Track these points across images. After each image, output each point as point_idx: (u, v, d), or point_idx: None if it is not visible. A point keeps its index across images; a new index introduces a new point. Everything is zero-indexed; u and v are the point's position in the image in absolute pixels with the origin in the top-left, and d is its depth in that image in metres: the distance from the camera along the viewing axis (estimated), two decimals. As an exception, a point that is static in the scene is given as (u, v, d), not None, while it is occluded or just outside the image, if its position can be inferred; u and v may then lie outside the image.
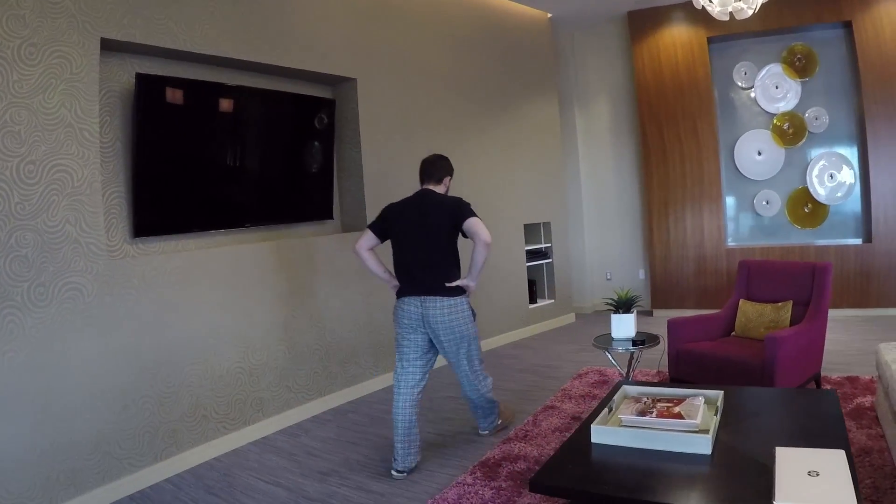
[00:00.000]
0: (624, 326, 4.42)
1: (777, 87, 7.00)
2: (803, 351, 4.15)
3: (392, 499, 3.37)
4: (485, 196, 6.28)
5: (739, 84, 7.19)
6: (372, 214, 5.33)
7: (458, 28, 6.40)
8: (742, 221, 7.30)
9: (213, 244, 4.42)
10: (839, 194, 6.81)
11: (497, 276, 6.54)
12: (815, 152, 6.91)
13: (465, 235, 3.66)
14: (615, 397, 3.07)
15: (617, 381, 4.83)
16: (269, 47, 4.57)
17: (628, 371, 4.47)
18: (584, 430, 2.79)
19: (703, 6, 4.59)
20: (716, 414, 2.76)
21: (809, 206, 6.94)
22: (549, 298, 7.42)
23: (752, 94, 7.14)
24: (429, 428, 4.34)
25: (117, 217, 3.91)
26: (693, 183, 7.22)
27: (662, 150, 7.34)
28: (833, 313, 5.67)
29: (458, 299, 3.67)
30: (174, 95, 4.03)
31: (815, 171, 6.87)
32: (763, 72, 7.06)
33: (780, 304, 4.51)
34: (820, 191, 6.87)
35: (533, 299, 7.22)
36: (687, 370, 4.40)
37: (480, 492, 3.32)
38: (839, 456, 2.23)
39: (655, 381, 4.83)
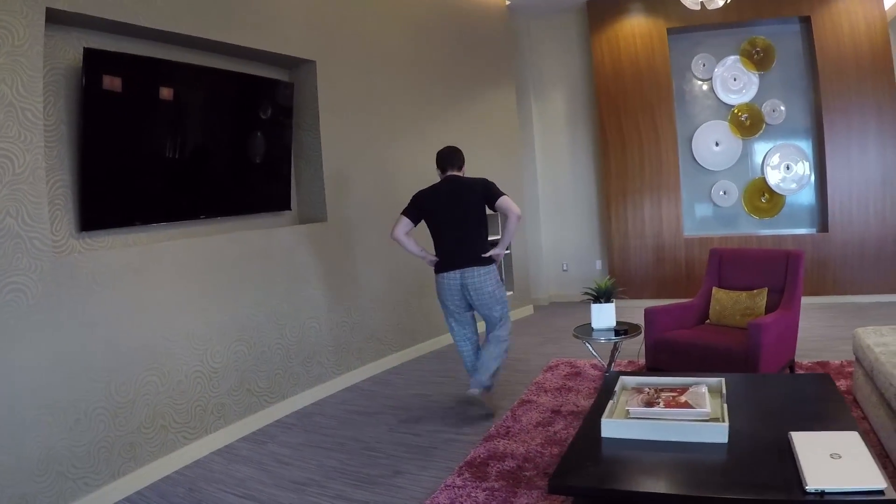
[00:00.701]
0: (605, 316, 4.31)
1: (735, 80, 7.03)
2: (782, 337, 4.17)
3: (379, 508, 3.16)
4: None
5: (698, 76, 7.19)
6: (332, 205, 5.08)
7: (417, 12, 6.15)
8: (700, 211, 7.33)
9: (165, 237, 4.06)
10: (795, 185, 6.91)
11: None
12: (771, 144, 6.97)
13: (494, 211, 4.21)
14: (616, 389, 2.93)
15: (602, 372, 4.80)
16: (224, 24, 4.22)
17: (610, 362, 4.36)
18: (592, 425, 2.67)
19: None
20: (722, 401, 2.68)
21: (766, 196, 7.02)
22: (508, 290, 7.25)
23: (711, 86, 7.14)
24: (402, 428, 4.16)
25: (62, 209, 3.51)
26: (652, 173, 7.20)
27: (621, 141, 7.29)
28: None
29: (491, 267, 4.26)
30: (126, 74, 3.65)
31: (772, 163, 6.93)
32: (721, 64, 7.06)
33: (755, 291, 4.50)
34: (776, 181, 6.94)
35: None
36: (665, 359, 4.32)
37: (473, 494, 3.16)
38: (854, 437, 2.25)
39: (628, 371, 4.71)
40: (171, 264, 3.86)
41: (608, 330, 4.29)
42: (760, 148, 7.05)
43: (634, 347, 4.81)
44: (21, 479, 3.02)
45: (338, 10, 5.23)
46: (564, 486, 2.34)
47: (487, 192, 4.16)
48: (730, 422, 2.52)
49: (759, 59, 6.94)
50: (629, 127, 7.26)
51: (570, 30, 7.75)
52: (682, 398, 2.67)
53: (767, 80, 6.96)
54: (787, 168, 6.91)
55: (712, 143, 7.13)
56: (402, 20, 5.94)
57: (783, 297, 4.43)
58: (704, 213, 7.32)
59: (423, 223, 4.31)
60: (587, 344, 4.30)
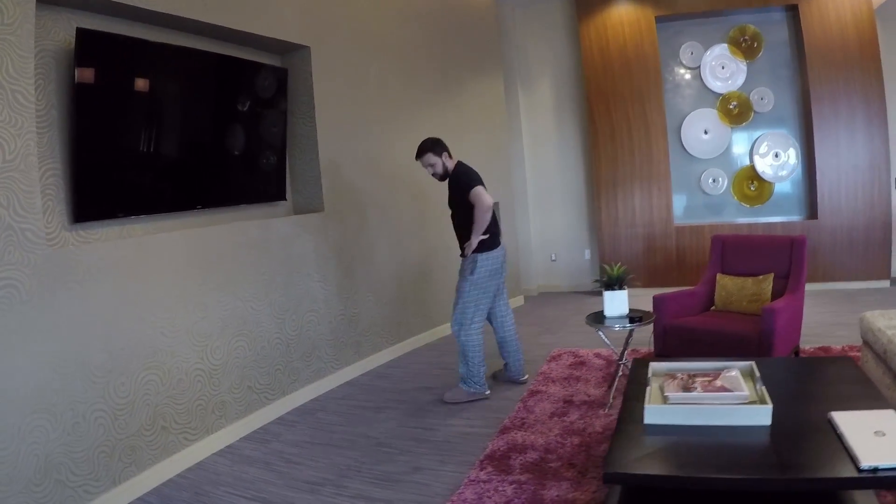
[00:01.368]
0: (617, 303, 4.17)
1: (723, 68, 6.96)
2: (791, 322, 4.15)
3: (402, 506, 3.01)
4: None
5: (686, 64, 7.11)
6: (329, 194, 4.89)
7: (408, -3, 5.92)
8: (689, 200, 7.26)
9: (160, 229, 3.82)
10: (783, 172, 6.87)
11: (446, 259, 6.16)
12: (760, 132, 6.93)
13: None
14: (649, 376, 2.83)
15: (606, 361, 4.70)
16: (217, 6, 3.97)
17: (624, 349, 4.24)
18: (631, 412, 2.60)
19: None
20: (757, 384, 2.63)
21: (755, 184, 6.97)
22: (500, 281, 7.10)
23: (699, 74, 7.07)
24: (411, 422, 4.01)
25: (53, 199, 3.26)
26: (642, 162, 7.11)
27: (610, 129, 7.18)
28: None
29: None
30: (120, 56, 3.41)
31: (760, 150, 6.89)
32: (709, 52, 6.99)
33: (760, 277, 4.46)
34: (765, 169, 6.90)
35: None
36: (675, 346, 4.26)
37: (500, 488, 3.03)
38: (893, 415, 2.27)
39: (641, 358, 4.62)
40: (168, 257, 3.63)
41: (622, 317, 4.15)
42: (748, 136, 7.00)
43: (639, 335, 4.70)
44: (17, 489, 2.79)
45: (330, -7, 5.01)
46: (620, 474, 2.22)
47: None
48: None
49: (746, 47, 6.88)
50: (618, 115, 7.15)
51: (557, 18, 7.60)
52: (718, 382, 2.61)
53: (755, 68, 6.91)
54: (776, 156, 6.87)
55: (701, 132, 7.06)
56: (393, 5, 5.72)
57: (788, 282, 4.41)
58: (694, 202, 7.25)
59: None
60: (600, 332, 4.18)
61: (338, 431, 3.96)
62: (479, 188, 4.13)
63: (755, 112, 6.93)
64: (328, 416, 4.24)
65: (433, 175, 4.32)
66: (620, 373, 4.17)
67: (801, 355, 4.46)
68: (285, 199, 4.79)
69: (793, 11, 6.64)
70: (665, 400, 2.57)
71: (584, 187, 7.70)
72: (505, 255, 4.45)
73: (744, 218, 7.07)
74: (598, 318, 4.22)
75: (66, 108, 3.28)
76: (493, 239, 4.30)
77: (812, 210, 6.79)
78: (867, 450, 2.03)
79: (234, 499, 3.20)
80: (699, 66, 7.06)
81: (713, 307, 4.66)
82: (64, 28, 3.29)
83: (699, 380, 2.66)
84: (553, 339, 5.63)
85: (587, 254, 7.70)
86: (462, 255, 4.30)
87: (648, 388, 2.68)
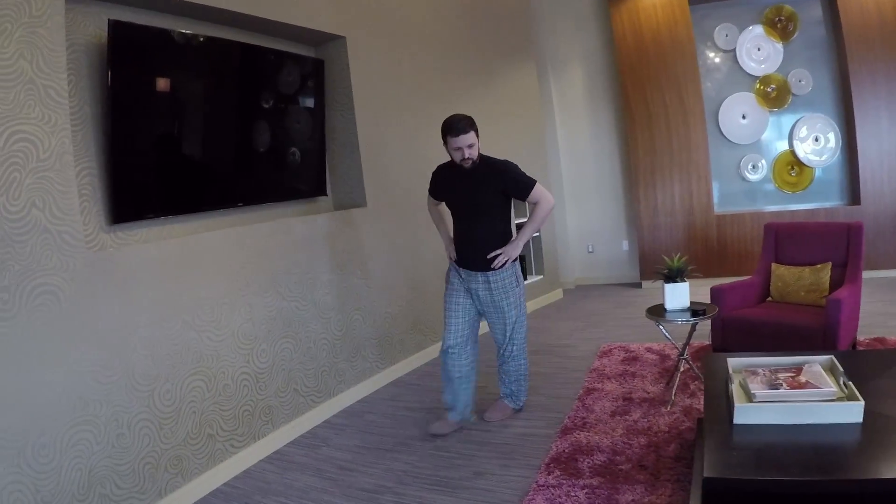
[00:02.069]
0: (679, 296, 3.82)
1: (759, 49, 6.55)
2: (853, 313, 3.86)
3: (469, 515, 2.72)
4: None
5: (720, 46, 6.71)
6: (370, 188, 4.57)
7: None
8: (728, 187, 6.85)
9: (202, 228, 3.56)
10: (824, 157, 6.46)
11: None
12: (799, 115, 6.51)
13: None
14: (731, 373, 2.57)
15: (659, 356, 4.36)
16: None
17: (685, 344, 3.89)
18: (716, 410, 2.41)
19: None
20: (842, 379, 2.40)
21: (795, 169, 6.56)
22: (538, 274, 6.78)
23: (734, 57, 6.66)
24: (466, 424, 3.68)
25: (90, 199, 3.00)
26: (680, 148, 6.71)
27: (647, 116, 6.78)
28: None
29: None
30: (155, 49, 3.13)
31: (800, 135, 6.48)
32: (744, 33, 6.59)
33: (818, 266, 4.15)
34: (806, 154, 6.49)
35: (523, 275, 6.56)
36: (735, 339, 3.97)
37: (573, 493, 2.76)
38: None
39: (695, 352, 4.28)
40: (211, 257, 3.37)
41: (683, 310, 3.81)
42: (787, 120, 6.59)
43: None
44: (62, 506, 2.54)
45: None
46: (722, 480, 1.99)
47: None
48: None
49: (782, 28, 6.47)
50: (655, 102, 6.75)
51: (586, 3, 7.20)
52: (802, 378, 2.41)
53: (791, 50, 6.48)
54: (816, 140, 6.45)
55: (739, 116, 6.66)
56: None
57: (846, 271, 4.11)
58: (733, 189, 6.84)
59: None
60: (660, 326, 3.83)
61: (390, 434, 3.68)
62: (538, 184, 3.47)
63: (793, 95, 6.51)
64: (378, 418, 3.96)
65: (464, 161, 3.34)
66: (682, 368, 3.86)
67: (858, 347, 4.14)
68: (326, 195, 4.51)
69: (829, -11, 6.22)
70: (752, 398, 2.34)
71: (620, 176, 7.30)
72: None
73: (785, 205, 6.64)
74: (657, 312, 3.87)
75: (99, 105, 3.02)
76: None
77: (854, 195, 6.35)
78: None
79: (289, 510, 2.94)
80: (734, 49, 6.65)
81: (769, 298, 4.34)
82: (94, 22, 3.02)
83: (782, 376, 2.45)
84: (599, 334, 5.29)
85: (625, 245, 7.32)
86: (492, 267, 3.46)
87: (732, 386, 2.45)
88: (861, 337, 4.35)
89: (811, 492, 1.96)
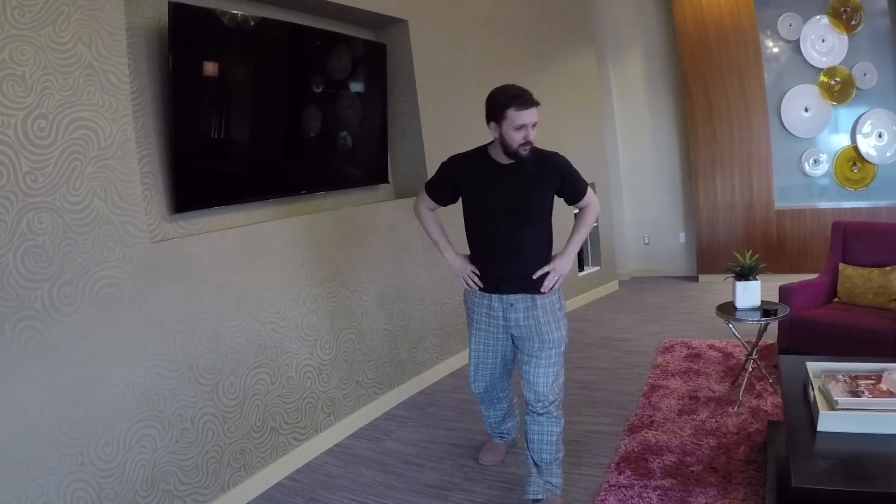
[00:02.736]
0: (750, 295, 3.44)
1: (823, 41, 5.96)
2: None
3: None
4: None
5: (784, 36, 6.14)
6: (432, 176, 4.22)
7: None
8: (788, 181, 6.28)
9: (264, 217, 3.28)
10: (889, 153, 5.85)
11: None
12: (863, 109, 5.90)
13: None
14: (811, 378, 2.33)
15: (722, 353, 3.97)
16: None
17: (755, 344, 3.50)
18: (797, 416, 2.20)
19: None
20: None
21: (857, 165, 5.98)
22: (594, 265, 6.35)
23: (797, 47, 6.08)
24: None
25: (151, 188, 2.73)
26: (741, 141, 6.17)
27: (708, 106, 6.26)
28: None
29: None
30: (218, 32, 2.85)
31: (864, 130, 5.88)
32: (809, 24, 6.00)
33: (888, 268, 3.70)
34: (868, 150, 5.89)
35: (580, 266, 6.17)
36: (802, 340, 3.58)
37: (645, 495, 2.49)
38: None
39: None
40: (275, 247, 3.09)
41: (754, 310, 3.42)
42: (851, 114, 5.99)
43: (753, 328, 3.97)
44: (124, 502, 2.33)
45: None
46: (810, 490, 1.80)
47: None
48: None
49: (847, 19, 5.87)
50: (716, 92, 6.21)
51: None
52: (883, 386, 2.20)
53: (856, 42, 5.85)
54: (880, 136, 5.85)
55: (801, 109, 6.08)
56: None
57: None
58: (792, 183, 6.25)
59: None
60: (730, 325, 3.44)
61: (454, 428, 3.38)
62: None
63: (857, 89, 5.90)
64: (440, 410, 3.66)
65: (523, 146, 2.36)
66: (749, 368, 3.47)
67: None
68: (388, 182, 4.20)
69: (898, -23, 5.59)
70: (833, 405, 2.14)
71: (678, 166, 6.76)
72: None
73: (846, 202, 6.04)
74: (726, 310, 3.48)
75: (160, 91, 2.74)
76: None
77: (921, 193, 5.75)
78: None
79: (356, 507, 2.67)
80: (798, 39, 6.07)
81: (836, 299, 3.91)
82: (152, 5, 2.73)
83: (863, 383, 2.25)
84: (660, 329, 4.87)
85: (682, 237, 6.82)
86: (542, 291, 2.48)
87: (813, 392, 2.24)
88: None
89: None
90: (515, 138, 2.33)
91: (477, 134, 4.81)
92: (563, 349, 2.51)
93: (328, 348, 3.34)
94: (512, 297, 2.48)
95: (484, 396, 2.82)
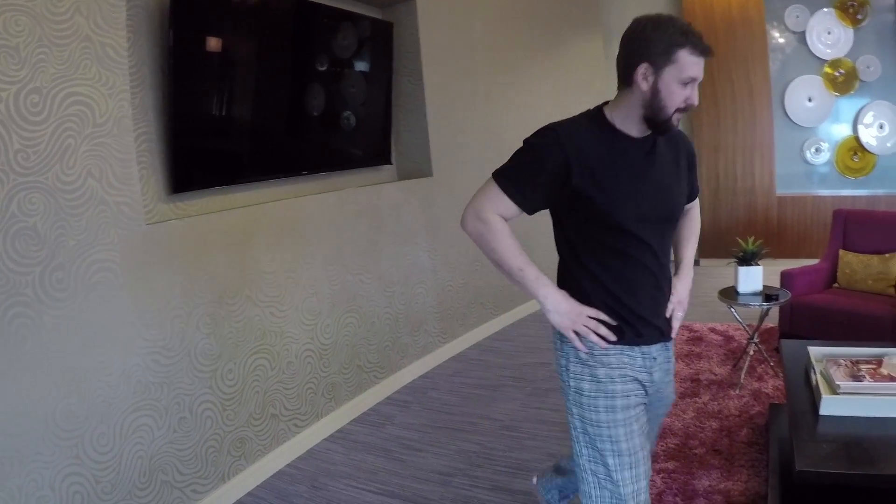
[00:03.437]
0: (752, 280, 3.37)
1: (829, 33, 5.78)
2: None
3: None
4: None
5: (790, 28, 5.95)
6: (437, 158, 4.06)
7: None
8: (790, 168, 6.14)
9: (264, 197, 3.11)
10: (889, 144, 5.72)
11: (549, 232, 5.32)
12: (865, 101, 5.76)
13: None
14: (813, 362, 2.27)
15: (723, 337, 3.92)
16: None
17: (757, 328, 3.45)
18: (799, 400, 2.17)
19: None
20: None
21: (858, 155, 5.85)
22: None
23: (803, 39, 5.90)
24: (533, 402, 3.30)
25: (148, 167, 2.54)
26: (745, 127, 6.02)
27: (713, 93, 6.09)
28: None
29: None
30: (220, 7, 2.66)
31: (865, 121, 5.74)
32: (815, 15, 5.82)
33: (887, 255, 3.67)
34: (869, 140, 5.76)
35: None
36: (803, 325, 3.55)
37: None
38: None
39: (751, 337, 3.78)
40: (275, 228, 2.93)
41: (756, 294, 3.35)
42: (853, 105, 5.84)
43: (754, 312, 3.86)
44: (121, 495, 2.19)
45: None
46: (814, 473, 1.78)
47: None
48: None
49: (854, 13, 5.69)
50: (721, 79, 6.05)
51: (655, -22, 6.45)
52: (884, 370, 2.16)
53: (861, 35, 5.69)
54: (881, 127, 5.72)
55: (805, 99, 5.93)
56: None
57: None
58: (794, 171, 6.12)
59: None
60: (732, 310, 3.39)
61: (456, 413, 3.26)
62: None
63: (860, 81, 5.75)
64: (442, 395, 3.54)
65: (681, 109, 1.52)
66: (751, 352, 3.42)
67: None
68: (391, 163, 4.03)
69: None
70: (835, 389, 2.11)
71: (679, 153, 6.62)
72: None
73: (846, 190, 5.94)
74: (728, 294, 3.42)
75: (159, 65, 2.55)
76: None
77: (917, 184, 5.63)
78: None
79: (358, 492, 2.56)
80: (804, 31, 5.89)
81: (835, 284, 3.89)
82: (155, -25, 2.55)
83: (864, 367, 2.21)
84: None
85: (681, 222, 6.68)
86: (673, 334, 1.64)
87: (815, 376, 2.20)
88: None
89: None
90: (678, 96, 1.47)
91: (484, 116, 4.65)
92: None
93: (329, 332, 3.20)
94: (653, 349, 1.58)
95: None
